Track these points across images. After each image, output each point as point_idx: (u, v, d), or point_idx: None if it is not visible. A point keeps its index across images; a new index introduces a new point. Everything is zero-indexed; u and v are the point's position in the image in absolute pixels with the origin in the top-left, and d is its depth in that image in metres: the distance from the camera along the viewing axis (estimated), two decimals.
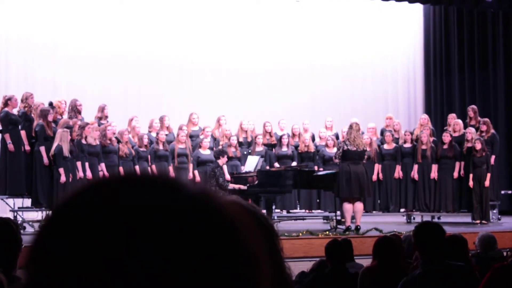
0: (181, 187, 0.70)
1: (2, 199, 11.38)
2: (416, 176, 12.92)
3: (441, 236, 4.21)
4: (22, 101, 11.35)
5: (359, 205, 10.87)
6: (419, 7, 16.91)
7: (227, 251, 0.67)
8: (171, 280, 0.65)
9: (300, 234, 10.10)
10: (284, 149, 12.94)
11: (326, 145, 12.95)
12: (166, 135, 12.48)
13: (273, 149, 13.10)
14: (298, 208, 13.37)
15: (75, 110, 11.98)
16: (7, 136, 11.00)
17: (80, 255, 0.65)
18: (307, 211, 13.25)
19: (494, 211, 12.96)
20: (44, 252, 0.68)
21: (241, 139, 12.98)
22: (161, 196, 0.68)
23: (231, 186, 11.25)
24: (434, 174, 12.81)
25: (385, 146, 13.18)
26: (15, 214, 11.04)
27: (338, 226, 11.16)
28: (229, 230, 0.69)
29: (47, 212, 11.05)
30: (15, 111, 11.23)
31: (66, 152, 10.71)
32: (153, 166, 12.05)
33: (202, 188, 0.71)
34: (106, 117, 12.40)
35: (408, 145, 13.10)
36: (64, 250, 0.66)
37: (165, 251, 0.65)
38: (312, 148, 13.09)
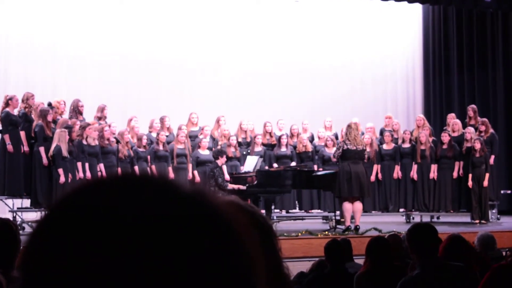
0: (177, 188, 0.70)
1: (1, 200, 11.37)
2: (415, 176, 12.93)
3: (435, 235, 4.22)
4: (23, 101, 11.35)
5: (359, 205, 10.87)
6: (418, 7, 16.92)
7: (222, 252, 0.67)
8: (166, 281, 0.65)
9: (299, 234, 10.10)
10: (283, 149, 12.94)
11: (326, 145, 12.95)
12: (167, 136, 12.47)
13: (273, 149, 13.09)
14: (297, 208, 13.37)
15: (76, 110, 11.97)
16: (6, 136, 11.00)
17: (75, 255, 0.65)
18: (306, 211, 13.24)
19: (493, 211, 12.97)
20: (39, 252, 0.68)
21: (240, 139, 12.98)
22: (157, 196, 0.68)
23: (230, 186, 11.25)
24: (433, 174, 12.82)
25: (384, 146, 13.19)
26: (14, 214, 11.03)
27: (338, 226, 11.16)
28: (225, 231, 0.69)
29: (46, 212, 11.04)
30: (15, 111, 11.23)
31: (65, 152, 10.71)
32: (153, 167, 12.05)
33: (198, 189, 0.71)
34: (105, 117, 12.40)
35: (406, 145, 13.10)
36: (59, 250, 0.66)
37: (160, 252, 0.65)
38: (309, 148, 13.09)
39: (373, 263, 5.00)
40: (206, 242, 0.67)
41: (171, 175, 12.00)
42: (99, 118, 12.30)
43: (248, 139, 13.08)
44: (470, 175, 12.39)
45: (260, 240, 0.78)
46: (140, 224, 0.65)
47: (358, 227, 10.65)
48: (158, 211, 0.67)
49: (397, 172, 13.09)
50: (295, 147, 13.11)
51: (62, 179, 10.71)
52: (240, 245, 0.69)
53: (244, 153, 12.73)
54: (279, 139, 13.02)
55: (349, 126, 11.10)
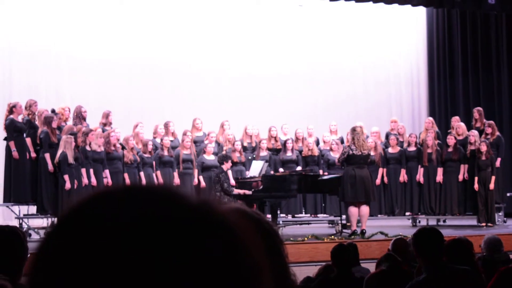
0: (183, 198, 0.71)
1: (7, 207, 11.41)
2: (421, 180, 12.91)
3: (441, 239, 4.22)
4: (26, 108, 11.38)
5: (365, 209, 10.85)
6: (422, 10, 16.92)
7: (228, 261, 0.68)
8: None
9: (306, 238, 10.09)
10: (289, 153, 12.93)
11: (331, 149, 12.95)
12: (171, 141, 12.48)
13: (278, 154, 13.09)
14: (303, 212, 13.35)
15: (80, 116, 12.00)
16: (11, 143, 11.03)
17: (83, 265, 0.66)
18: (312, 215, 13.23)
19: (500, 214, 12.93)
20: (48, 261, 0.69)
21: (245, 144, 12.98)
22: (163, 207, 0.69)
23: (236, 191, 11.25)
24: (439, 177, 12.80)
25: (390, 150, 13.17)
26: (21, 221, 11.05)
27: (344, 230, 11.15)
28: (231, 240, 0.69)
29: (52, 219, 11.08)
30: (20, 118, 11.26)
31: (70, 159, 10.72)
32: (158, 173, 12.05)
33: (203, 199, 0.72)
34: (111, 123, 12.42)
35: (412, 148, 13.09)
36: (68, 260, 0.67)
37: (167, 263, 0.66)
38: (316, 152, 13.08)
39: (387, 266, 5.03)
40: (213, 252, 0.67)
41: (177, 180, 12.03)
42: (104, 124, 12.33)
43: (253, 144, 13.08)
44: (476, 178, 12.36)
45: (267, 247, 0.79)
46: (147, 235, 0.66)
47: (364, 231, 10.64)
48: (164, 222, 0.68)
49: (403, 176, 13.08)
50: (300, 152, 13.11)
51: (67, 185, 10.73)
52: (247, 253, 0.70)
53: (250, 158, 12.73)
54: (284, 143, 13.01)
55: (354, 130, 11.05)
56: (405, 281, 4.32)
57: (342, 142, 13.20)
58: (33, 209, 11.40)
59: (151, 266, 0.65)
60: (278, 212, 11.49)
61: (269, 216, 10.80)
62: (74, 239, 0.68)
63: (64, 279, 0.66)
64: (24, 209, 11.47)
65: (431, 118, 14.01)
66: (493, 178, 12.31)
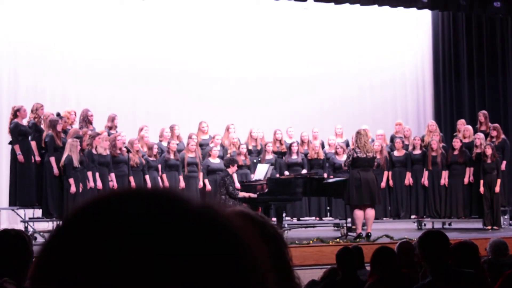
0: (186, 202, 0.71)
1: (12, 210, 11.42)
2: (426, 183, 12.89)
3: (446, 243, 4.21)
4: (32, 111, 11.41)
5: (371, 212, 10.85)
6: (427, 13, 16.90)
7: (230, 265, 0.68)
8: None
9: (311, 241, 10.08)
10: (294, 157, 12.93)
11: (336, 153, 12.94)
12: (177, 144, 12.49)
13: (283, 157, 13.09)
14: (309, 215, 13.34)
15: (86, 120, 12.01)
16: (17, 147, 11.05)
17: (86, 267, 0.66)
18: (317, 218, 13.23)
19: (505, 217, 12.91)
20: (50, 265, 0.69)
21: (250, 147, 12.98)
22: (166, 211, 0.69)
23: (241, 194, 11.25)
24: (444, 180, 12.78)
25: (395, 153, 13.16)
26: (26, 224, 11.07)
27: (349, 233, 11.14)
28: (233, 244, 0.70)
29: (58, 222, 11.08)
30: (24, 122, 11.29)
31: (76, 162, 10.74)
32: (164, 176, 12.06)
33: (207, 203, 0.72)
34: (116, 127, 12.43)
35: (417, 151, 13.07)
36: (71, 262, 0.67)
37: (170, 266, 0.66)
38: (322, 155, 13.09)
39: (380, 273, 4.99)
40: (215, 255, 0.68)
41: (182, 184, 12.05)
42: (110, 128, 12.34)
43: (259, 147, 13.08)
44: (481, 181, 12.34)
45: (271, 251, 0.79)
46: (151, 238, 0.67)
47: (369, 234, 10.62)
48: (168, 226, 0.68)
49: (408, 179, 13.06)
50: (306, 155, 13.11)
51: (73, 189, 10.73)
52: (250, 257, 0.70)
53: (255, 161, 12.73)
54: (289, 146, 13.02)
55: (358, 133, 11.07)
56: (406, 285, 4.31)
57: (347, 145, 13.18)
58: (38, 212, 11.41)
59: (155, 269, 0.65)
60: (284, 215, 11.47)
61: (274, 219, 10.81)
62: (77, 241, 0.68)
63: (66, 281, 0.67)
64: (29, 212, 11.49)
65: (434, 122, 14.01)
66: (499, 181, 12.29)
